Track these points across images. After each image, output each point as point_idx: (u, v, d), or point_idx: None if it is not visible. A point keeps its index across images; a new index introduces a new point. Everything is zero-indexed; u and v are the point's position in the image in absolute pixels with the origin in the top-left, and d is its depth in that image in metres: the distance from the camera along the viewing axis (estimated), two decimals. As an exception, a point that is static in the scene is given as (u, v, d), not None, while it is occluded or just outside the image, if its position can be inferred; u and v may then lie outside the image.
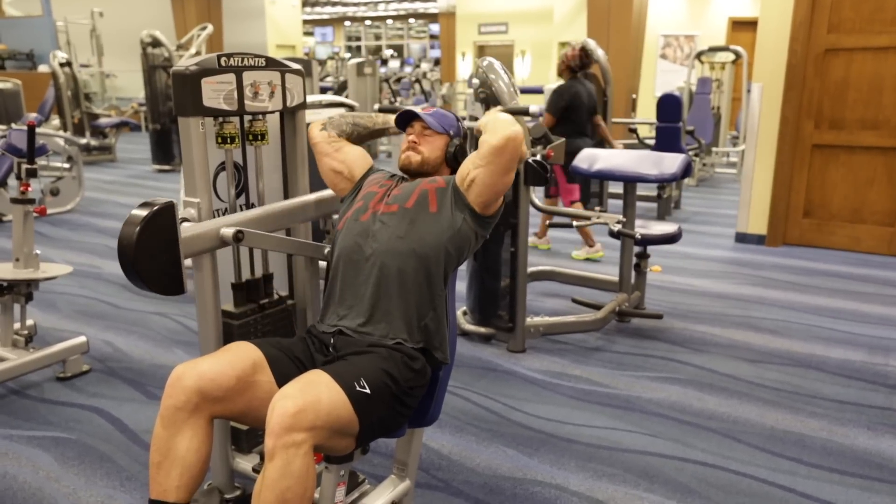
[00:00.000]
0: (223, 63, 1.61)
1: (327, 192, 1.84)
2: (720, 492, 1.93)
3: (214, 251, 1.58)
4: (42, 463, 2.05)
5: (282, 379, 1.40)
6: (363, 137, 1.83)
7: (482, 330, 3.00)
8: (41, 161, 5.85)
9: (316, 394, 1.25)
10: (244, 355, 1.41)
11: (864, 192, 4.42)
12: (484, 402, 2.44)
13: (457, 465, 2.06)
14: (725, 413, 2.38)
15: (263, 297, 1.79)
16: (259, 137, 1.75)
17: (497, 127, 1.53)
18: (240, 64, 1.65)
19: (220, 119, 1.67)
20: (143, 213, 1.37)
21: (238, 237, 1.52)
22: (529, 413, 2.37)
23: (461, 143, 1.72)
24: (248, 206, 1.85)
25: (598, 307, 3.16)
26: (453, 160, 1.71)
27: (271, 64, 1.73)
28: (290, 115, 1.83)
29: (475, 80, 2.77)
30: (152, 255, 1.38)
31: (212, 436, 1.40)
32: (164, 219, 1.38)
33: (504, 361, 2.80)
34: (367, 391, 1.33)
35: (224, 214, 1.78)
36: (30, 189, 2.53)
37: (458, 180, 1.60)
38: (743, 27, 10.55)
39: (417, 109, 1.73)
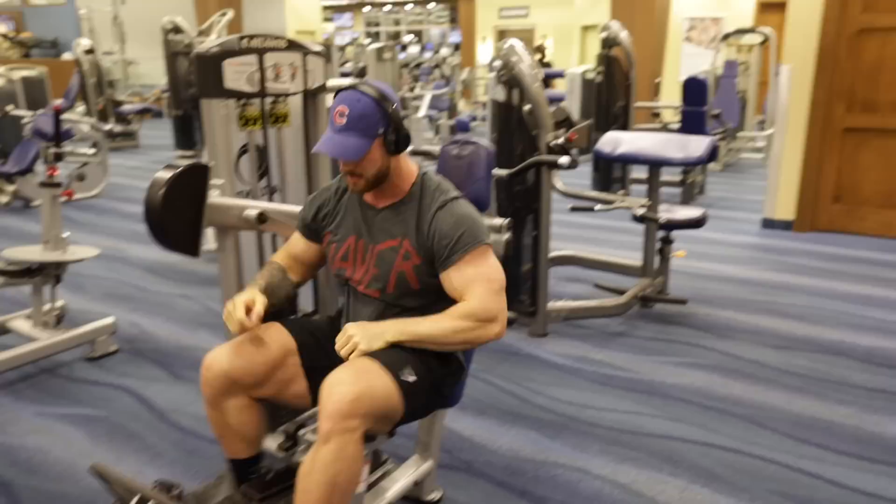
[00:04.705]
0: (245, 45, 1.61)
1: None
2: (746, 477, 1.91)
3: (237, 232, 1.59)
4: (74, 439, 2.10)
5: (308, 368, 1.46)
6: (287, 290, 1.57)
7: (503, 314, 2.98)
8: (67, 147, 5.96)
9: (370, 381, 1.28)
10: (274, 343, 1.45)
11: (897, 176, 4.30)
12: (506, 386, 2.44)
13: (479, 447, 2.06)
14: (751, 399, 2.34)
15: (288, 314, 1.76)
16: (281, 119, 1.75)
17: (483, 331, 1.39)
18: (261, 45, 1.65)
19: (243, 101, 1.67)
20: (183, 164, 1.48)
21: (262, 218, 1.53)
22: (551, 397, 2.36)
23: (395, 126, 1.42)
24: (270, 188, 1.86)
25: (620, 292, 3.12)
26: (394, 148, 1.43)
27: (292, 46, 1.73)
28: (311, 97, 1.83)
29: (497, 63, 2.74)
30: (179, 208, 1.46)
31: (257, 404, 1.48)
32: (197, 176, 1.46)
33: (526, 346, 2.79)
34: (414, 379, 1.35)
35: (246, 197, 1.79)
36: (57, 173, 2.57)
37: (445, 283, 1.43)
38: (770, 9, 10.28)
39: (325, 147, 1.39)
